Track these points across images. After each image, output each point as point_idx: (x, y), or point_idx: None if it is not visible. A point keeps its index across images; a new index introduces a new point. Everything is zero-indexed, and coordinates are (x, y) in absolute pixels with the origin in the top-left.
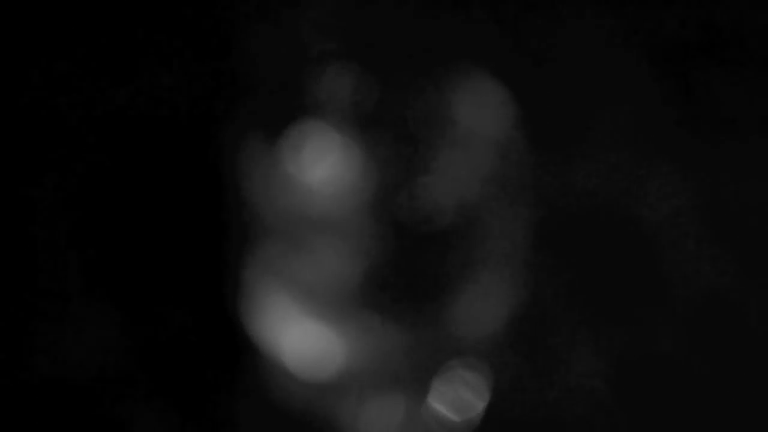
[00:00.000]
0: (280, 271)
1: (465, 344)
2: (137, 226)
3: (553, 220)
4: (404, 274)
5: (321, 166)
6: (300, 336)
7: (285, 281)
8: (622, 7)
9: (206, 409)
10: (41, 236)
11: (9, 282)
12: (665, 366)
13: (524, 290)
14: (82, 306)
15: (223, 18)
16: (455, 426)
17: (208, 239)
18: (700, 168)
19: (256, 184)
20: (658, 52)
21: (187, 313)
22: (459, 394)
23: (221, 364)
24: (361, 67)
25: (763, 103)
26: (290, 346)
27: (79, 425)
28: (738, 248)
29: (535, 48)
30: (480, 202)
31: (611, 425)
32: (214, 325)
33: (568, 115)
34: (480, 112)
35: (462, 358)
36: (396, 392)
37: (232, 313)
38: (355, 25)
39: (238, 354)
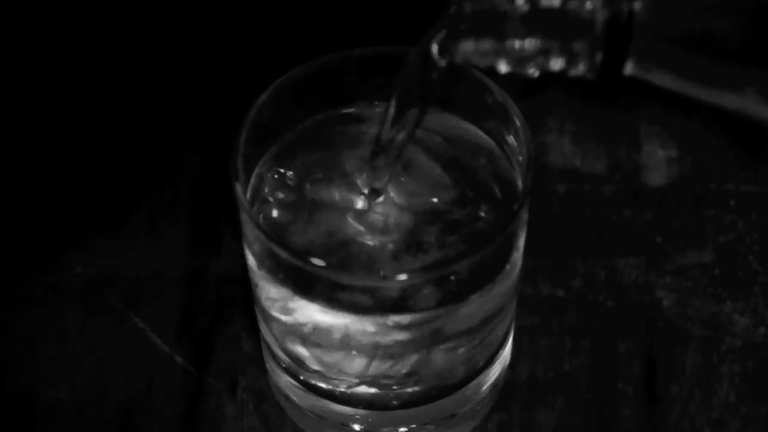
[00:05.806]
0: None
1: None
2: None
3: (553, 219)
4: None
5: (322, 165)
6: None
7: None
8: None
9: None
10: None
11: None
12: (666, 365)
13: (524, 289)
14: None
15: (226, 18)
16: None
17: (207, 238)
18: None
19: (257, 183)
20: None
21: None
22: None
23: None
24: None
25: None
26: (290, 345)
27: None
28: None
29: None
30: (480, 202)
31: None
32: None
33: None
34: (479, 112)
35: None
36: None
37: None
38: (356, 26)
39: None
